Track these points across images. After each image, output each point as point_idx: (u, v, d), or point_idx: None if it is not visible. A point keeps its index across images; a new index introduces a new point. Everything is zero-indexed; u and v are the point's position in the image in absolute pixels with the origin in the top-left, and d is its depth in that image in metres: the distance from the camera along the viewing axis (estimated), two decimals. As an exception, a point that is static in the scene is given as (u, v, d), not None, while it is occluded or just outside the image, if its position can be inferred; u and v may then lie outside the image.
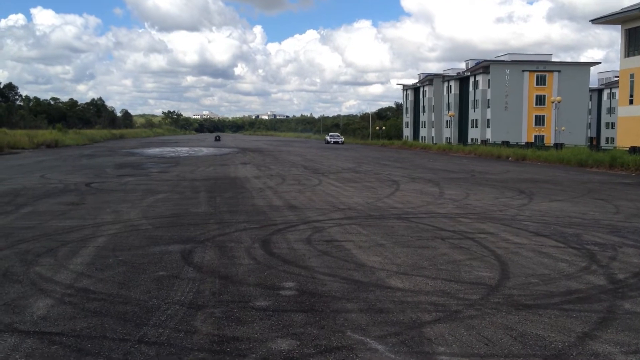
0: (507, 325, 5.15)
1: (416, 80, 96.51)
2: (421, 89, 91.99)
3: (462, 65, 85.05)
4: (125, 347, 4.60)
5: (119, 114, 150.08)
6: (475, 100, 74.13)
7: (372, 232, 9.89)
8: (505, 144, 46.37)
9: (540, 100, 69.33)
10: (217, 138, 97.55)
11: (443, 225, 10.70)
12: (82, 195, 15.30)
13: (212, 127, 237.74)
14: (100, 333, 4.91)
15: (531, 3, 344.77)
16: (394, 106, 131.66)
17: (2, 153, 41.35)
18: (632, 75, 39.53)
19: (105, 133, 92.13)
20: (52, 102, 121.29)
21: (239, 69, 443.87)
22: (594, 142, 70.18)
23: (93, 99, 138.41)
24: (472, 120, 75.03)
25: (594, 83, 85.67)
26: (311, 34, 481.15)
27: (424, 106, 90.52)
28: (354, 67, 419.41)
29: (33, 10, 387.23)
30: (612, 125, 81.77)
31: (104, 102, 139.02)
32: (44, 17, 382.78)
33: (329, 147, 63.07)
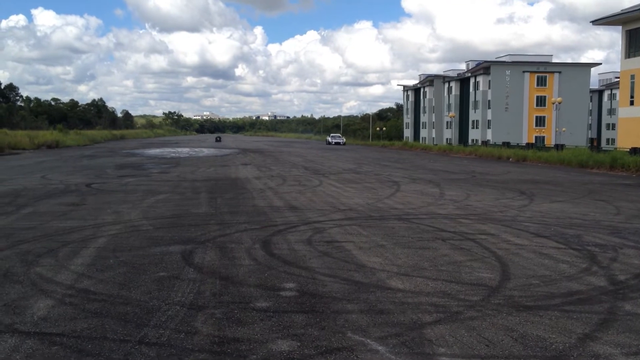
0: (508, 327, 5.15)
1: (417, 81, 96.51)
2: (422, 90, 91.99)
3: (463, 66, 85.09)
4: (125, 348, 4.60)
5: (119, 115, 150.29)
6: (475, 101, 74.12)
7: (373, 233, 9.89)
8: (506, 144, 46.37)
9: (541, 101, 69.32)
10: (218, 139, 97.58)
11: (444, 226, 10.69)
12: (82, 196, 15.30)
13: (213, 127, 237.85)
14: (101, 334, 4.91)
15: (532, 4, 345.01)
16: (394, 107, 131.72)
17: (2, 154, 41.38)
18: (632, 77, 39.52)
19: (105, 134, 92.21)
20: (52, 103, 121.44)
21: (240, 70, 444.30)
22: (594, 143, 70.25)
23: (94, 100, 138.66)
24: (473, 121, 75.02)
25: (594, 84, 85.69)
26: (312, 35, 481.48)
27: (424, 107, 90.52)
28: (355, 67, 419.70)
29: (34, 11, 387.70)
30: (612, 127, 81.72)
31: (104, 102, 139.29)
32: (44, 18, 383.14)
33: (330, 148, 63.08)
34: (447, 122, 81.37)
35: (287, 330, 5.02)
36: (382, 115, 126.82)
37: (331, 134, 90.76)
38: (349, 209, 13.06)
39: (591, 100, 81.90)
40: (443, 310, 5.58)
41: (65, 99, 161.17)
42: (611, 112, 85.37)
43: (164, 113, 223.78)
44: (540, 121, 69.87)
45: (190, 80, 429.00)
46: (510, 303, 5.85)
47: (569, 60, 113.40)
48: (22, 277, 6.77)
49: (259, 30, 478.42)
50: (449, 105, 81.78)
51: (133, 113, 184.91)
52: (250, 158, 37.65)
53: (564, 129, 62.28)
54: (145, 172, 24.65)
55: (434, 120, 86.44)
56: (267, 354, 4.51)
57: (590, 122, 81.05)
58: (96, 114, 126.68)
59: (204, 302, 5.80)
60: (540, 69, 69.79)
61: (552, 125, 66.52)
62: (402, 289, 6.35)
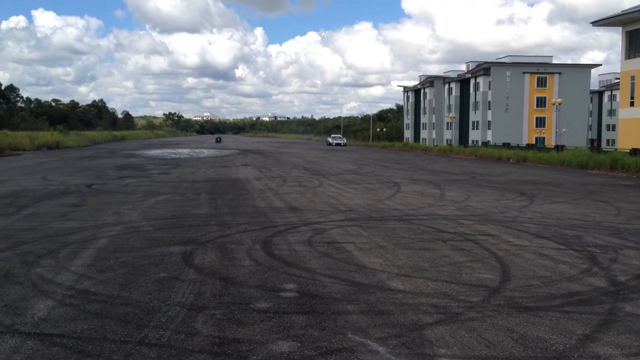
0: (508, 328, 5.15)
1: (417, 82, 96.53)
2: (422, 91, 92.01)
3: (463, 67, 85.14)
4: (126, 348, 4.60)
5: (120, 116, 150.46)
6: (476, 102, 74.14)
7: (373, 233, 9.89)
8: (506, 145, 46.37)
9: (541, 102, 69.34)
10: (218, 139, 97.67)
11: (444, 227, 10.69)
12: (83, 197, 15.31)
13: (213, 128, 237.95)
14: (101, 335, 4.91)
15: (532, 5, 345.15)
16: (394, 108, 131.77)
17: (3, 154, 41.39)
18: (632, 77, 39.52)
19: (106, 134, 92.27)
20: (53, 104, 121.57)
21: (240, 71, 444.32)
22: (594, 144, 70.30)
23: (94, 101, 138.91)
24: (473, 122, 75.04)
25: (594, 85, 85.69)
26: (312, 36, 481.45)
27: (424, 108, 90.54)
28: (355, 68, 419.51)
29: (34, 12, 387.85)
30: (612, 127, 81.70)
31: (105, 103, 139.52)
32: (45, 19, 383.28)
33: (330, 149, 63.08)
34: (448, 123, 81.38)
35: (288, 331, 5.03)
36: (382, 116, 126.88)
37: (332, 135, 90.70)
38: (350, 209, 13.06)
39: (591, 101, 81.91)
40: (443, 311, 5.58)
41: (65, 100, 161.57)
42: (611, 113, 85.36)
43: (164, 114, 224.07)
44: (540, 122, 69.88)
45: (190, 81, 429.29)
46: (510, 304, 5.85)
47: (569, 61, 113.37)
48: (23, 278, 6.77)
49: (259, 31, 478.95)
50: (449, 106, 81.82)
51: (133, 114, 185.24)
52: (251, 159, 37.65)
53: (564, 129, 62.29)
54: (145, 173, 24.65)
55: (434, 121, 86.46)
56: (268, 354, 4.51)
57: (590, 123, 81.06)
58: (96, 115, 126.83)
59: (204, 303, 5.80)
60: (540, 70, 69.80)
61: (553, 126, 66.53)
62: (402, 289, 6.35)
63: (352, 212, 12.59)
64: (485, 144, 54.35)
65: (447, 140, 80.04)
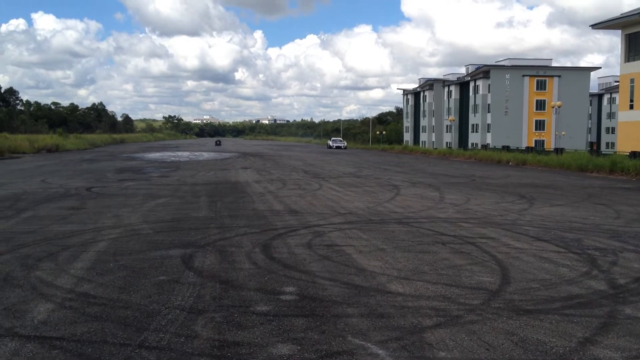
0: (508, 331, 5.15)
1: (416, 85, 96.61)
2: (421, 94, 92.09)
3: (463, 70, 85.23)
4: (125, 352, 4.60)
5: (119, 119, 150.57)
6: (475, 105, 74.20)
7: (373, 236, 9.89)
8: (506, 148, 46.39)
9: (541, 105, 69.41)
10: (218, 142, 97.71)
11: (444, 230, 10.69)
12: (82, 200, 15.31)
13: (213, 131, 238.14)
14: (101, 338, 4.91)
15: (531, 8, 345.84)
16: (394, 111, 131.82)
17: (3, 157, 41.39)
18: (632, 80, 39.56)
19: (105, 137, 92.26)
20: (52, 107, 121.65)
21: (240, 74, 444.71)
22: (594, 147, 70.30)
23: (94, 104, 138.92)
24: (473, 125, 75.08)
25: (594, 88, 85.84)
26: (311, 39, 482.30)
27: (424, 111, 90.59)
28: (355, 71, 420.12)
29: (34, 15, 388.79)
30: (612, 130, 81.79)
31: (104, 106, 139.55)
32: (45, 22, 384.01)
33: (330, 152, 63.10)
34: (447, 125, 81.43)
35: (288, 334, 5.02)
36: (382, 119, 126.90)
37: (332, 138, 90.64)
38: (349, 212, 13.06)
39: (591, 104, 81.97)
40: (443, 314, 5.58)
41: (65, 103, 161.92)
42: (611, 115, 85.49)
43: (164, 117, 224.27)
44: (539, 125, 69.93)
45: (190, 84, 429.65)
46: (510, 307, 5.85)
47: (569, 64, 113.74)
48: (22, 281, 6.77)
49: (258, 34, 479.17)
50: (449, 109, 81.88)
51: (133, 117, 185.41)
52: (250, 162, 37.66)
53: (563, 132, 62.32)
54: (145, 176, 24.65)
55: (433, 124, 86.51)
56: (268, 357, 4.50)
57: (589, 126, 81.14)
58: (96, 118, 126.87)
59: (204, 306, 5.79)
60: (539, 73, 69.88)
61: (552, 129, 66.59)
62: (402, 292, 6.35)
63: (352, 215, 12.59)
64: (485, 146, 54.36)
65: (446, 143, 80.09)
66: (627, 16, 39.05)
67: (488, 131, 70.27)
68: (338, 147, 78.24)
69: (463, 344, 4.79)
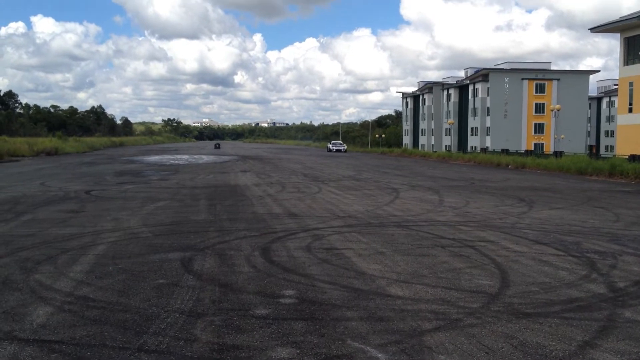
0: (508, 334, 5.15)
1: (416, 88, 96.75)
2: (421, 97, 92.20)
3: (462, 74, 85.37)
4: (125, 355, 4.59)
5: (118, 122, 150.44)
6: (474, 108, 74.29)
7: (372, 240, 9.89)
8: (505, 151, 46.42)
9: (540, 108, 69.50)
10: (217, 146, 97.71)
11: (443, 233, 10.69)
12: (82, 203, 15.30)
13: (212, 134, 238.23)
14: (100, 341, 4.90)
15: (530, 11, 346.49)
16: (393, 114, 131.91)
17: (2, 161, 41.37)
18: (631, 84, 39.63)
19: (105, 141, 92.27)
20: (52, 110, 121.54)
21: (239, 77, 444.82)
22: (593, 150, 70.22)
23: (93, 107, 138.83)
24: (472, 128, 75.15)
25: (593, 91, 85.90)
26: (311, 42, 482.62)
27: (423, 114, 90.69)
28: (354, 75, 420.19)
29: (33, 18, 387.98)
30: (611, 134, 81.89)
31: (103, 109, 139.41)
32: (44, 25, 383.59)
33: (329, 155, 63.12)
34: (446, 129, 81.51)
35: (287, 337, 5.02)
36: (381, 122, 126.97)
37: (332, 141, 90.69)
38: (348, 216, 13.06)
39: (590, 108, 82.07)
40: (443, 318, 5.58)
41: (64, 106, 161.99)
42: (610, 119, 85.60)
43: (163, 120, 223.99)
44: (539, 128, 70.01)
45: (189, 87, 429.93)
46: (509, 310, 5.85)
47: (568, 68, 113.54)
48: (21, 285, 6.76)
49: (258, 38, 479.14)
50: (448, 112, 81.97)
51: (132, 120, 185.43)
52: (250, 165, 37.67)
53: (562, 136, 62.41)
54: (144, 179, 24.65)
55: (433, 127, 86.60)
56: (267, 361, 4.50)
57: (589, 129, 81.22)
58: (95, 121, 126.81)
59: (203, 310, 5.79)
60: (538, 76, 70.02)
61: (551, 133, 66.65)
62: (401, 296, 6.35)
63: (351, 219, 12.59)
64: (484, 150, 54.41)
65: (446, 146, 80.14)
66: (626, 20, 39.15)
67: (487, 134, 70.35)
68: (338, 150, 78.31)
69: (462, 348, 4.79)
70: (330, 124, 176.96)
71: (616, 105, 54.29)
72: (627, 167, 27.45)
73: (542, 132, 69.69)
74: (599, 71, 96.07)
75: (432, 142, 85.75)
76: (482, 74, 71.78)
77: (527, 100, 69.83)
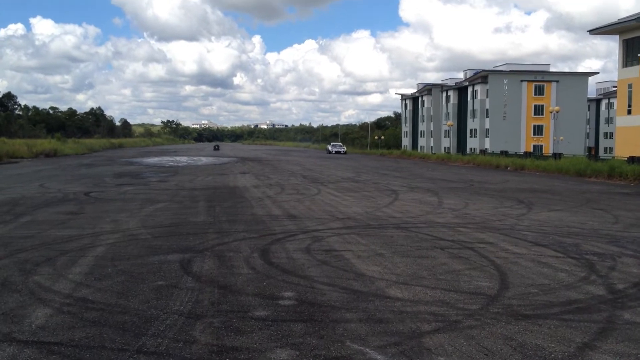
0: (507, 336, 5.15)
1: (415, 90, 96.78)
2: (420, 99, 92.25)
3: (461, 75, 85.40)
4: (124, 357, 4.59)
5: (117, 124, 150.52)
6: (473, 110, 74.34)
7: (371, 241, 9.89)
8: (504, 153, 46.47)
9: (539, 110, 69.57)
10: (216, 147, 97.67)
11: (442, 234, 10.70)
12: (81, 205, 15.29)
13: (211, 136, 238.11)
14: (99, 343, 4.90)
15: (529, 13, 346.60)
16: (392, 116, 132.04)
17: (1, 162, 41.35)
18: (630, 85, 39.67)
19: (104, 142, 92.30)
20: (51, 112, 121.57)
21: (238, 79, 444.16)
22: (592, 152, 70.40)
23: (92, 109, 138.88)
24: (471, 130, 75.21)
25: (592, 93, 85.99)
26: (310, 44, 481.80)
27: (422, 116, 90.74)
28: (353, 76, 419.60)
29: (32, 20, 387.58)
30: (610, 135, 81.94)
31: (103, 111, 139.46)
32: (43, 27, 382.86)
33: (328, 157, 63.12)
34: (446, 130, 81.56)
35: (286, 339, 5.02)
36: (380, 124, 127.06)
37: (332, 143, 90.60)
38: (348, 217, 13.06)
39: (589, 109, 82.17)
40: (442, 319, 5.58)
41: (63, 107, 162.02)
42: (609, 120, 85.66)
43: (162, 122, 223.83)
44: (538, 130, 70.08)
45: (188, 89, 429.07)
46: (509, 312, 5.85)
47: (567, 70, 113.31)
48: (20, 286, 6.76)
49: (257, 39, 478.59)
50: (447, 114, 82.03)
51: (131, 122, 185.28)
52: (249, 167, 37.66)
53: (561, 137, 62.43)
54: (143, 180, 24.64)
55: (432, 129, 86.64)
56: (266, 363, 4.49)
57: (588, 131, 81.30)
58: (94, 123, 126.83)
59: (202, 311, 5.78)
60: (537, 78, 70.09)
61: (550, 134, 66.72)
62: (400, 297, 6.35)
63: (350, 220, 12.60)
64: (483, 151, 54.44)
65: (445, 148, 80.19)
66: (624, 22, 39.21)
67: (486, 136, 70.40)
68: (337, 152, 78.25)
69: (462, 349, 4.79)
70: (329, 125, 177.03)
71: (615, 107, 54.37)
72: (626, 168, 27.47)
73: (541, 134, 69.76)
74: (598, 73, 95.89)
75: (431, 144, 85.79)
76: (481, 76, 71.86)
77: (526, 102, 69.89)
